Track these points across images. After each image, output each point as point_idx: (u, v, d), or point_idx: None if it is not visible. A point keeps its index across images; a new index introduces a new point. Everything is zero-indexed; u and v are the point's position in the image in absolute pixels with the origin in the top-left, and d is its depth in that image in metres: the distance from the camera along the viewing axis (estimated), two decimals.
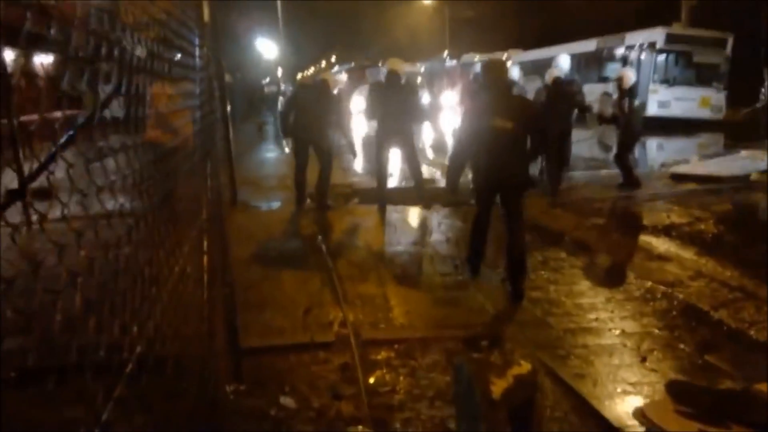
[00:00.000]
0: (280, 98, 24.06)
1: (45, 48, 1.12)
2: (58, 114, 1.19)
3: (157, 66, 1.88)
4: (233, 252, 4.25)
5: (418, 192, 7.77)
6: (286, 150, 9.09)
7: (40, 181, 1.18)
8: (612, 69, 16.61)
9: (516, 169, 4.74)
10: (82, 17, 1.27)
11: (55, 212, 1.11)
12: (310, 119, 7.67)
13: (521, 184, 4.84)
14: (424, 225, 7.16)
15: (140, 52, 1.71)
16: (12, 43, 1.03)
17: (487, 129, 4.69)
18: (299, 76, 53.55)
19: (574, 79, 9.20)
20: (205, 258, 2.74)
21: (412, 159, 7.73)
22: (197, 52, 2.81)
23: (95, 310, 1.18)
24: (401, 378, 3.51)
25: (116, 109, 1.58)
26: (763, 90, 13.75)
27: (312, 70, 62.10)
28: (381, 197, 7.75)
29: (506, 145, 4.66)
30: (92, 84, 1.33)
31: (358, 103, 29.02)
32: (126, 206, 1.47)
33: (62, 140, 1.58)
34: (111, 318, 1.28)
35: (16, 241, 0.99)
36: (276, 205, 8.34)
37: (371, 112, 7.74)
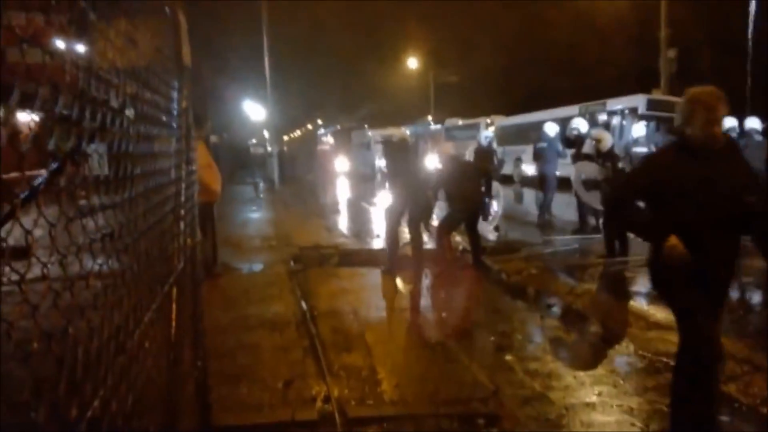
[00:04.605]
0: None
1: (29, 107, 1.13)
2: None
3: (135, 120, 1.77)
4: (209, 318, 3.94)
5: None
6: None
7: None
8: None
9: None
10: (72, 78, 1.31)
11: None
12: (414, 177, 7.62)
13: None
14: (415, 291, 6.88)
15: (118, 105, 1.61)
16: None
17: None
18: (285, 138, 54.10)
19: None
20: (173, 326, 2.45)
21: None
22: (174, 96, 2.61)
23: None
24: None
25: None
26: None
27: (298, 132, 62.83)
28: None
29: None
30: (63, 140, 1.30)
31: (342, 164, 29.23)
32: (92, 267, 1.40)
33: (23, 195, 1.49)
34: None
35: None
36: (258, 267, 8.03)
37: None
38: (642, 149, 13.35)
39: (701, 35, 19.47)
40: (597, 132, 9.52)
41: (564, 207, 11.85)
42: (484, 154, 12.03)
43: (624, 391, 4.05)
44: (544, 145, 11.61)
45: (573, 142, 10.72)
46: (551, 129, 11.75)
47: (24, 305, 1.04)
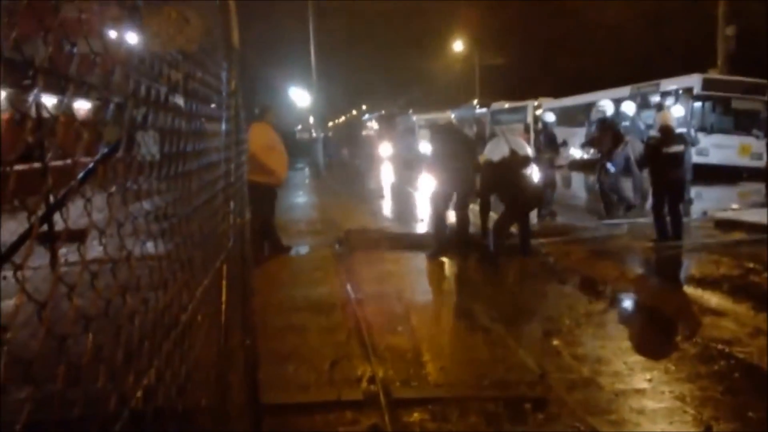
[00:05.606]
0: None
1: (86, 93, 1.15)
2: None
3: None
4: (257, 298, 4.01)
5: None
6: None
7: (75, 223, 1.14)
8: (646, 116, 16.30)
9: None
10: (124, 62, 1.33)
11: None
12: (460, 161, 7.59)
13: None
14: (460, 275, 6.84)
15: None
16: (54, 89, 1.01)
17: None
18: (330, 123, 54.40)
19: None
20: (223, 303, 2.50)
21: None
22: (224, 78, 2.64)
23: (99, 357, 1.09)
24: None
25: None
26: None
27: (343, 118, 63.06)
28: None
29: None
30: (117, 119, 1.32)
31: (387, 149, 29.21)
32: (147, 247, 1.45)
33: (80, 176, 1.54)
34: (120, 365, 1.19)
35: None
36: (304, 250, 8.13)
37: None
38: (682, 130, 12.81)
39: (763, 10, 18.51)
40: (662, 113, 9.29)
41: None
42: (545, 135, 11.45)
43: (676, 378, 3.94)
44: (625, 125, 11.17)
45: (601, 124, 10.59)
46: (629, 108, 11.32)
47: (83, 279, 1.07)
